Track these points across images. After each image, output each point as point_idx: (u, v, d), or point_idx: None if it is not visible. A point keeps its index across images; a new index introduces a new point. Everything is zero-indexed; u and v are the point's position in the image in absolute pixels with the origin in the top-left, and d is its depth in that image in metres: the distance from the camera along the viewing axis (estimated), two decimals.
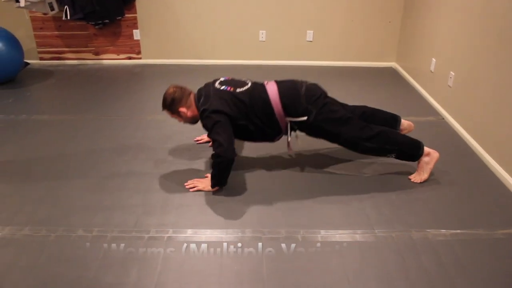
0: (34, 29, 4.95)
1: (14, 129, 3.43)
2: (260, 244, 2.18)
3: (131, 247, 2.15)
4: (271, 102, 2.58)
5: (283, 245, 2.17)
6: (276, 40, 4.97)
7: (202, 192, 2.60)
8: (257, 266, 2.04)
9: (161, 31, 4.97)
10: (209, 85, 2.69)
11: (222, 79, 2.73)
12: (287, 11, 4.82)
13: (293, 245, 2.16)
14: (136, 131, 3.38)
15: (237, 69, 4.85)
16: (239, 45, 5.00)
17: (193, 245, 2.17)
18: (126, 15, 4.89)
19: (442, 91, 3.75)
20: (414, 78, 4.46)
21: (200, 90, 2.71)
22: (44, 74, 4.77)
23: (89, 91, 4.26)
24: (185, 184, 2.66)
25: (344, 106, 2.81)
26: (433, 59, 3.93)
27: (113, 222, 2.33)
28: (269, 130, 2.67)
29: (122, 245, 2.17)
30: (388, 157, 2.71)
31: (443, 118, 3.65)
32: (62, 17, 4.66)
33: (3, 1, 4.41)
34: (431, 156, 2.71)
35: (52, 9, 4.62)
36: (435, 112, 3.77)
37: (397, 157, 2.71)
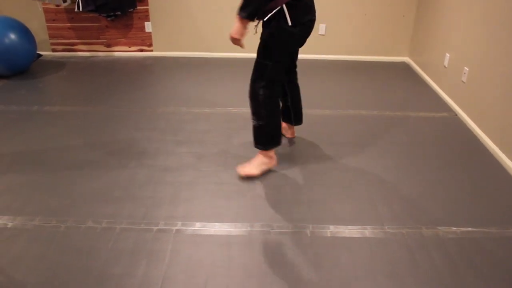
0: (47, 20, 4.97)
1: (26, 120, 3.46)
2: (268, 238, 2.17)
3: (139, 239, 2.16)
4: None
5: (292, 240, 2.16)
6: None
7: (212, 186, 2.60)
8: (265, 260, 2.04)
9: (173, 23, 4.96)
10: None
11: None
12: None
13: (301, 240, 2.16)
14: (147, 123, 3.39)
15: (248, 62, 4.80)
16: (251, 38, 4.96)
17: (201, 238, 2.17)
18: (138, 7, 4.88)
19: (455, 87, 3.70)
20: (427, 73, 4.41)
21: None
22: (56, 65, 4.79)
23: (100, 83, 4.27)
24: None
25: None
26: (447, 54, 3.88)
27: (122, 214, 2.34)
28: None
29: (131, 236, 2.17)
30: (252, 121, 2.61)
31: (456, 114, 3.60)
32: (74, 9, 4.68)
33: None
34: (270, 160, 2.70)
35: (64, 1, 4.64)
36: (448, 108, 3.72)
37: (254, 128, 2.61)
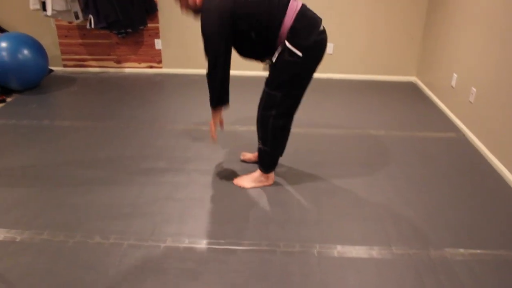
0: (59, 37, 5.06)
1: (37, 134, 3.50)
2: (275, 257, 2.17)
3: (147, 256, 2.16)
4: (285, 13, 2.30)
5: (299, 259, 2.16)
6: None
7: (221, 203, 2.61)
8: (271, 279, 2.03)
9: (182, 41, 5.03)
10: None
11: None
12: None
13: (308, 260, 2.15)
14: (156, 139, 3.42)
15: (256, 80, 4.85)
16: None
17: (208, 256, 2.17)
18: (149, 25, 4.96)
19: (463, 107, 3.71)
20: (434, 93, 4.42)
21: None
22: (67, 81, 4.86)
23: (110, 98, 4.32)
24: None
25: None
26: (454, 74, 3.90)
27: (130, 230, 2.36)
28: (268, 41, 2.37)
29: (139, 253, 2.18)
30: (258, 143, 2.66)
31: (464, 134, 3.60)
32: (86, 25, 4.76)
33: (31, 9, 4.52)
34: (267, 180, 2.77)
35: (77, 18, 4.72)
36: (456, 128, 3.73)
37: (259, 150, 2.68)
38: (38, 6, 4.50)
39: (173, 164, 3.04)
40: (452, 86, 3.95)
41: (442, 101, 4.19)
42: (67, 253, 2.19)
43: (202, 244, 2.26)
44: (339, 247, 2.25)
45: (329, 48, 4.92)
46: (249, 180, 2.78)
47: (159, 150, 3.25)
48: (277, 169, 2.98)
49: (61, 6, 4.50)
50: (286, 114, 2.53)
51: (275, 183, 2.82)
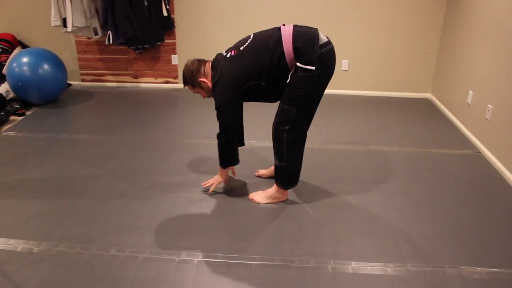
0: (78, 52, 5.17)
1: (55, 147, 3.56)
2: (289, 273, 2.17)
3: (162, 269, 2.18)
4: (282, 41, 2.41)
5: (313, 275, 2.15)
6: None
7: (235, 218, 2.62)
8: None
9: (199, 56, 5.04)
10: (218, 57, 2.62)
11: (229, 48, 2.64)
12: None
13: (323, 276, 2.15)
14: (171, 154, 3.45)
15: None
16: None
17: (223, 270, 2.18)
18: (166, 41, 5.05)
19: (479, 124, 3.69)
20: (450, 110, 4.40)
21: (213, 61, 2.63)
22: (85, 95, 4.95)
23: (127, 113, 4.39)
24: (202, 184, 2.86)
25: None
26: (470, 91, 3.88)
27: (145, 243, 2.37)
28: (280, 80, 2.49)
29: (153, 266, 2.20)
30: (274, 160, 2.70)
31: (480, 152, 3.57)
32: (105, 41, 4.86)
33: (52, 26, 4.63)
34: (282, 196, 2.79)
35: (96, 33, 4.83)
36: (472, 145, 3.70)
37: (276, 167, 2.71)
38: (59, 23, 4.62)
39: (188, 179, 3.06)
40: (468, 103, 3.93)
41: (458, 118, 4.17)
42: (82, 265, 2.21)
43: (217, 258, 2.26)
44: (353, 264, 2.24)
45: (345, 64, 4.94)
46: (264, 196, 2.79)
47: (174, 164, 3.28)
48: None
49: (81, 23, 4.61)
50: (299, 129, 2.57)
51: (289, 199, 2.82)
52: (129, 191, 2.90)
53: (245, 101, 2.63)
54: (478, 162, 3.41)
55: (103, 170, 3.18)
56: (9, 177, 3.08)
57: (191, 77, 2.64)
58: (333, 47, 2.49)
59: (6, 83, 4.47)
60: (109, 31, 4.74)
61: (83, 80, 5.32)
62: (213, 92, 2.60)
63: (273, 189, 2.79)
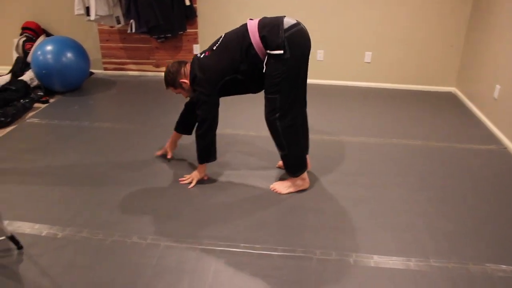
0: (101, 40, 5.20)
1: (78, 134, 3.60)
2: (311, 264, 2.16)
3: (183, 257, 2.19)
4: (249, 34, 2.53)
5: (335, 267, 2.14)
6: (334, 60, 4.96)
7: (256, 207, 2.62)
8: (308, 286, 2.02)
9: None
10: (194, 59, 2.73)
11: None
12: (346, 31, 4.81)
13: (344, 268, 2.13)
14: (192, 142, 3.45)
15: None
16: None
17: (246, 259, 2.18)
18: (188, 30, 5.04)
19: (505, 120, 3.61)
20: (475, 104, 4.31)
21: (191, 63, 2.73)
22: (107, 83, 4.99)
23: (148, 101, 4.41)
24: (180, 180, 2.90)
25: None
26: (497, 86, 3.80)
27: (167, 231, 2.39)
28: (254, 70, 2.59)
29: (175, 254, 2.21)
30: (278, 152, 2.74)
31: (506, 148, 3.50)
32: (127, 30, 4.88)
33: (76, 14, 4.67)
34: (303, 182, 2.80)
35: (118, 22, 4.85)
36: (497, 141, 3.63)
37: (282, 157, 2.75)
38: (82, 11, 4.65)
39: (209, 169, 3.06)
40: (494, 98, 3.84)
41: (483, 113, 4.09)
42: (105, 251, 2.24)
43: (238, 248, 2.27)
44: (375, 257, 2.22)
45: (368, 56, 4.88)
46: (286, 186, 2.80)
47: (195, 154, 3.28)
48: (313, 176, 2.97)
49: (104, 11, 4.63)
50: (290, 113, 2.61)
51: (311, 191, 2.81)
52: (151, 179, 2.92)
53: (228, 95, 2.77)
54: (503, 158, 3.34)
55: (125, 158, 3.21)
56: (33, 163, 3.13)
57: (172, 79, 2.75)
58: (302, 27, 2.55)
59: (30, 70, 4.53)
60: (132, 20, 4.75)
61: (105, 69, 5.37)
62: (192, 90, 2.73)
63: (291, 178, 2.80)
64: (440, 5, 4.59)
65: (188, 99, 2.96)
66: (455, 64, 4.83)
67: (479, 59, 4.29)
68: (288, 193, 2.78)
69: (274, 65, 2.51)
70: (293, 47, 2.48)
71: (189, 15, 4.94)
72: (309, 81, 4.95)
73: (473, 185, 2.94)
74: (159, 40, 5.08)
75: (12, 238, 2.21)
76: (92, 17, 4.61)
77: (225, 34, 2.68)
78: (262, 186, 2.85)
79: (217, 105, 2.70)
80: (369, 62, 4.91)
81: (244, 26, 2.59)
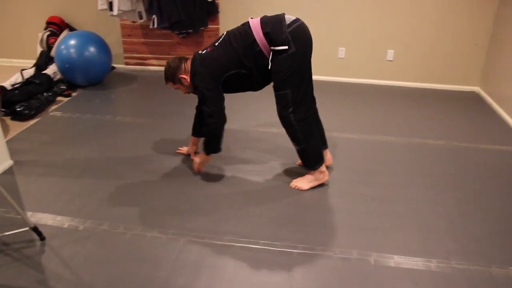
0: (123, 35, 5.24)
1: (100, 128, 3.64)
2: (330, 263, 2.15)
3: (203, 253, 2.20)
4: (252, 31, 2.55)
5: (355, 267, 2.12)
6: (356, 58, 4.91)
7: (277, 205, 2.61)
8: (328, 285, 2.01)
9: None
10: (196, 55, 2.73)
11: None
12: (368, 29, 4.76)
13: (365, 268, 2.12)
14: None
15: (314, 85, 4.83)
16: (317, 61, 4.96)
17: (265, 256, 2.18)
18: (209, 26, 5.05)
19: None
20: (499, 105, 4.23)
21: (192, 59, 2.73)
22: (128, 78, 5.03)
23: (169, 96, 4.43)
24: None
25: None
26: None
27: (187, 226, 2.40)
28: (259, 67, 2.62)
29: (195, 249, 2.22)
30: (295, 148, 2.74)
31: None
32: (149, 25, 4.90)
33: (98, 9, 4.71)
34: (323, 176, 2.80)
35: (140, 17, 4.88)
36: None
37: (298, 153, 2.76)
38: (105, 6, 4.69)
39: (230, 165, 3.07)
40: None
41: (508, 113, 4.00)
42: (125, 244, 2.26)
43: (257, 245, 2.27)
44: (396, 257, 2.20)
45: (390, 54, 4.82)
46: (306, 181, 2.80)
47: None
48: (335, 174, 2.95)
49: (126, 6, 4.66)
50: (302, 106, 2.63)
51: (331, 188, 2.79)
52: (171, 174, 2.94)
53: (231, 92, 2.78)
54: None
55: (146, 152, 3.23)
56: (56, 156, 3.18)
57: (172, 74, 2.75)
58: (302, 23, 2.58)
59: (53, 64, 4.60)
60: (154, 16, 4.77)
61: (127, 64, 5.41)
62: (193, 85, 2.72)
63: (310, 172, 2.80)
64: (464, 2, 4.50)
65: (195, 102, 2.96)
66: (479, 63, 4.74)
67: (504, 59, 4.20)
68: (310, 188, 2.77)
69: (280, 61, 2.53)
70: (297, 42, 2.51)
71: (211, 11, 4.94)
72: (329, 78, 4.92)
73: (496, 186, 2.88)
74: (180, 36, 5.10)
75: (35, 229, 2.25)
76: (115, 12, 4.65)
77: (227, 32, 2.69)
78: (281, 183, 2.85)
79: (222, 99, 2.69)
80: (391, 60, 4.85)
81: (246, 24, 2.62)
